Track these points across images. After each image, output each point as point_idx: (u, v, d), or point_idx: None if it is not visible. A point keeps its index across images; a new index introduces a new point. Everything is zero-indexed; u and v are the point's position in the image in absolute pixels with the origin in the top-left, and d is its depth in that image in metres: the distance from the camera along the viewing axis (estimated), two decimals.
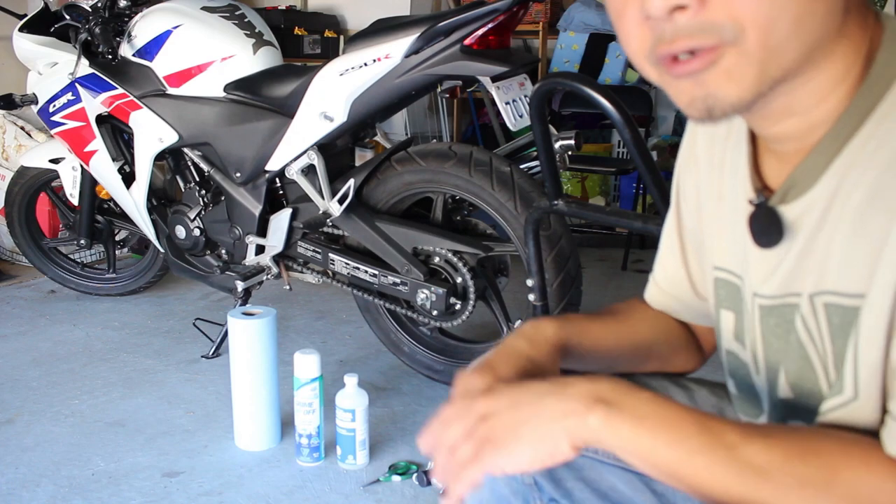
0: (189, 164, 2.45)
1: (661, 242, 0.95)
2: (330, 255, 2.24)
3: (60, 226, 3.13)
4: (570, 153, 2.07)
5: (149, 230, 2.59)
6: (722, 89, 0.61)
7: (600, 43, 4.29)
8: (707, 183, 0.83)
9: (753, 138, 0.76)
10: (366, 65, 2.01)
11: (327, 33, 4.29)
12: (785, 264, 0.70)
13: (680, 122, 4.37)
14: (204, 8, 2.39)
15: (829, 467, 0.61)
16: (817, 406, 0.70)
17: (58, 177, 2.79)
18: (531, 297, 1.77)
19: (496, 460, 0.68)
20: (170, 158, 2.50)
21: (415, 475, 1.77)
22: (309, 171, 2.19)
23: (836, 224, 0.64)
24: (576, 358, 0.88)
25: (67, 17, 2.49)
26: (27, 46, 2.63)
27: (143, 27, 2.40)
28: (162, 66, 2.36)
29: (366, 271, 2.18)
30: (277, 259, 2.35)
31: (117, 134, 2.60)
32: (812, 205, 0.66)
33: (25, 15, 2.71)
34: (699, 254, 0.89)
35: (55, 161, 2.76)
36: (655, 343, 0.95)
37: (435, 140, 4.34)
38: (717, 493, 0.64)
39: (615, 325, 0.93)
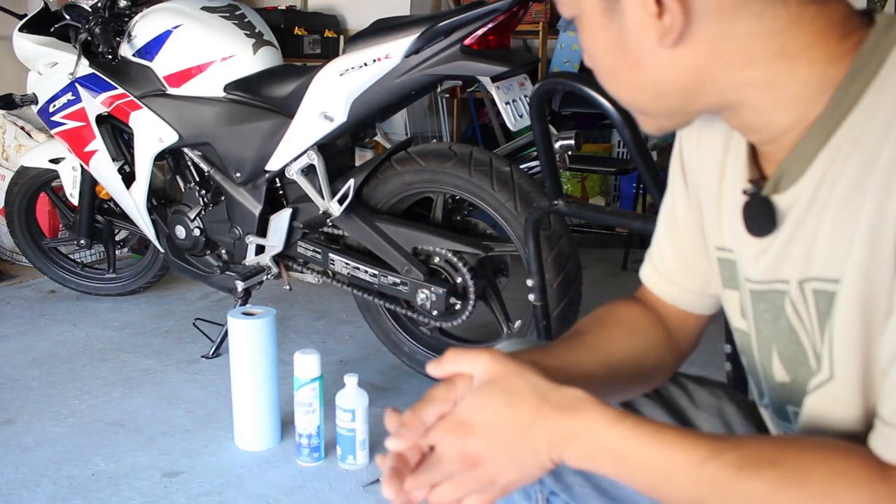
0: (189, 164, 2.45)
1: (658, 220, 0.93)
2: (330, 255, 2.24)
3: (60, 226, 3.13)
4: (570, 153, 2.07)
5: (149, 230, 2.59)
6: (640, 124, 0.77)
7: None
8: (708, 164, 0.82)
9: None
10: (366, 65, 2.01)
11: (327, 33, 4.28)
12: (771, 250, 0.71)
13: None
14: (204, 8, 2.39)
15: (802, 469, 0.61)
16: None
17: (58, 177, 2.79)
18: (531, 297, 1.77)
19: (488, 499, 0.73)
20: (170, 158, 2.50)
21: None
22: (309, 171, 2.19)
23: (821, 211, 0.65)
24: None
25: (67, 17, 2.49)
26: (27, 46, 2.63)
27: (143, 27, 2.40)
28: (162, 66, 2.36)
29: (366, 271, 2.18)
30: (277, 259, 2.35)
31: (117, 134, 2.60)
32: (801, 193, 0.67)
33: (25, 15, 2.71)
34: (699, 234, 0.87)
35: (55, 161, 2.75)
36: (629, 358, 0.89)
37: (435, 140, 4.34)
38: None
39: (585, 350, 0.86)
